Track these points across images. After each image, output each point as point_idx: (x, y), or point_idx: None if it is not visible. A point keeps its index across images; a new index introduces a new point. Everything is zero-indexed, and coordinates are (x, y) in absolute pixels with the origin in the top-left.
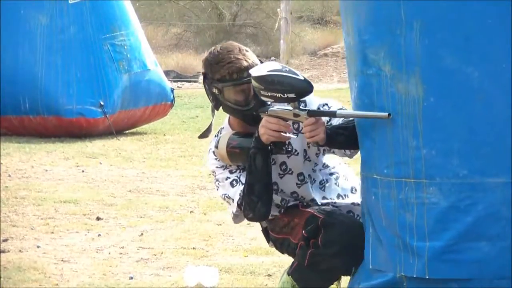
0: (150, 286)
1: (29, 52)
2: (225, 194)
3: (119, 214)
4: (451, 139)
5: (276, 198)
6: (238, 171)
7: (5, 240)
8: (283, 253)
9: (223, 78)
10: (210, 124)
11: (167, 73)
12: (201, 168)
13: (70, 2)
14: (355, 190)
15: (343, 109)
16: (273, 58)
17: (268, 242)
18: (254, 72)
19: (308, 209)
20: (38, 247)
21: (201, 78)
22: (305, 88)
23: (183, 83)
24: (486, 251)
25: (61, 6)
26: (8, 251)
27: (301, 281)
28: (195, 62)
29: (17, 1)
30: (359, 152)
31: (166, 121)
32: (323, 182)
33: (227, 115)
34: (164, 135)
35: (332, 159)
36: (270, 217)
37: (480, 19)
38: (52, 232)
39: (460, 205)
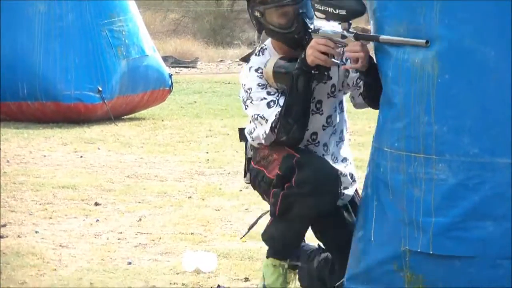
0: (148, 271)
1: (27, 39)
2: (258, 114)
3: (117, 200)
4: (463, 117)
5: None
6: (276, 94)
7: (4, 226)
8: (255, 188)
9: (265, 1)
10: (255, 49)
11: (165, 58)
12: (200, 154)
13: None
14: (345, 160)
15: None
16: None
17: (245, 176)
18: None
19: (289, 150)
20: (36, 232)
21: (199, 63)
22: (357, 7)
23: (181, 68)
24: (491, 230)
25: None
26: (7, 237)
27: (274, 239)
28: (193, 48)
29: None
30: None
31: (164, 107)
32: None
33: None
34: (163, 120)
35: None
36: (256, 146)
37: (499, 0)
38: (51, 218)
39: (469, 183)
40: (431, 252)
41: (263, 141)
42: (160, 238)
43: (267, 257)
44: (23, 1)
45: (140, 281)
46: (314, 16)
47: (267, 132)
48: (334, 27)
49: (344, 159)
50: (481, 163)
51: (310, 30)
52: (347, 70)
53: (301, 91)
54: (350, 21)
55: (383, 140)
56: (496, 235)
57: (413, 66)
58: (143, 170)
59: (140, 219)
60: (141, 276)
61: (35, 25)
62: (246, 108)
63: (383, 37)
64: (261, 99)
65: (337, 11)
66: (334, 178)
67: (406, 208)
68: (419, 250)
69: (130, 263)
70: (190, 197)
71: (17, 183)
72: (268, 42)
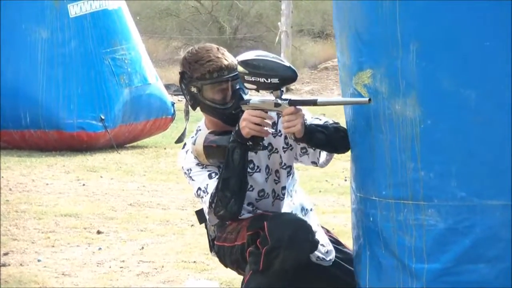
0: None
1: (30, 66)
2: (199, 188)
3: (119, 228)
4: (449, 162)
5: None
6: (216, 169)
7: (6, 254)
8: (225, 264)
9: (203, 76)
10: (185, 129)
11: (167, 86)
12: None
13: (71, 16)
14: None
15: (328, 120)
16: None
17: (211, 251)
18: (240, 57)
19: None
20: (38, 260)
21: None
22: (289, 74)
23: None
24: (485, 273)
25: (62, 19)
26: (9, 265)
27: None
28: None
29: (19, 15)
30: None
31: (166, 135)
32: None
33: (203, 118)
34: (165, 148)
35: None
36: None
37: (477, 41)
38: (53, 246)
39: (458, 227)
40: None
41: (209, 222)
42: (162, 267)
43: None
44: (26, 28)
45: None
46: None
47: (207, 205)
48: (264, 96)
49: (310, 210)
50: (470, 206)
51: (240, 102)
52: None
53: (237, 163)
54: (282, 89)
55: (370, 189)
56: (490, 277)
57: (395, 113)
58: (145, 198)
59: (143, 247)
60: None
61: (38, 52)
62: (192, 184)
63: (321, 99)
64: (202, 173)
65: (269, 80)
66: (307, 226)
67: (398, 256)
68: None
69: None
70: (192, 225)
71: (19, 211)
72: (202, 123)
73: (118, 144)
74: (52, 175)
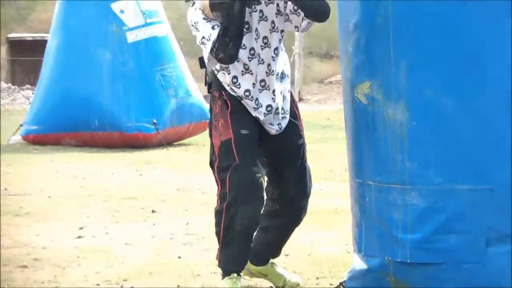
0: (194, 263)
1: (97, 82)
2: (203, 37)
3: (169, 208)
4: (429, 155)
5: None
6: (219, 24)
7: (81, 228)
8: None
9: None
10: None
11: (205, 97)
12: None
13: (128, 41)
14: (287, 76)
15: None
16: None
17: (208, 91)
18: None
19: (232, 128)
20: (107, 233)
21: None
22: None
23: None
24: (455, 242)
25: (122, 44)
26: (84, 237)
27: (228, 261)
28: None
29: (87, 41)
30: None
31: (205, 135)
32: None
33: None
34: (204, 145)
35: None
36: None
37: (453, 61)
38: (117, 222)
39: (436, 206)
40: (409, 261)
41: (208, 67)
42: (203, 238)
43: (224, 278)
44: (93, 51)
45: (188, 271)
46: None
47: (207, 55)
48: None
49: (287, 75)
50: (444, 190)
51: None
52: (285, 2)
53: (236, 14)
54: None
55: (367, 176)
56: (459, 246)
57: (388, 116)
58: (189, 185)
59: (188, 223)
60: (188, 267)
61: (103, 70)
62: (197, 36)
63: None
64: (207, 25)
65: None
66: (260, 183)
67: (388, 228)
68: (399, 260)
69: (180, 257)
70: None
71: (91, 195)
72: None
73: (167, 143)
74: (116, 167)
